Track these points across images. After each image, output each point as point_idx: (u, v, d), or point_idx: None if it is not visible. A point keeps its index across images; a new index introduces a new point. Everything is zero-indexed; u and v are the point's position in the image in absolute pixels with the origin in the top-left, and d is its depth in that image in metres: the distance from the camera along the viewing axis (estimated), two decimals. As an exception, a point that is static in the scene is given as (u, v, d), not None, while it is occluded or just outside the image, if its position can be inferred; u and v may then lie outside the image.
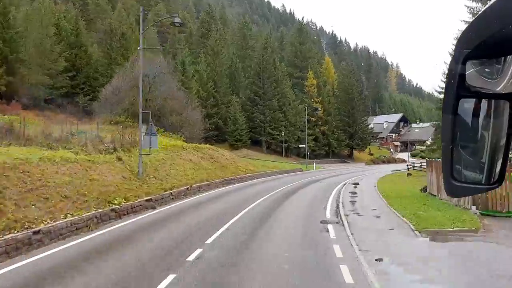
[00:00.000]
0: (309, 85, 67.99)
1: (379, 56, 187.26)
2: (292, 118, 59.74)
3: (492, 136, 0.90)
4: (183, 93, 38.68)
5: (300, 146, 56.07)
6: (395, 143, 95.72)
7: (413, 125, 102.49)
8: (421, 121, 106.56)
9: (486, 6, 0.73)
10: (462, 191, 0.97)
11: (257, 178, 30.62)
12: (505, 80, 0.82)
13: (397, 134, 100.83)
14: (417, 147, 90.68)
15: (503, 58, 0.81)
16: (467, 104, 0.87)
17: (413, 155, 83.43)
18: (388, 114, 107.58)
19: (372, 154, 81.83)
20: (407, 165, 45.69)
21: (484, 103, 0.88)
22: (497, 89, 0.83)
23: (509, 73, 0.81)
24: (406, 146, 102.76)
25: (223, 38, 73.63)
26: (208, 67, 58.16)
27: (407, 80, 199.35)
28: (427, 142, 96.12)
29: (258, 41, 78.35)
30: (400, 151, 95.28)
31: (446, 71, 0.95)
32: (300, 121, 59.33)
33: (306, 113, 56.43)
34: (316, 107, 64.76)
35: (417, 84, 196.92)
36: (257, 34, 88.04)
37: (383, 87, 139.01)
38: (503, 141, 0.89)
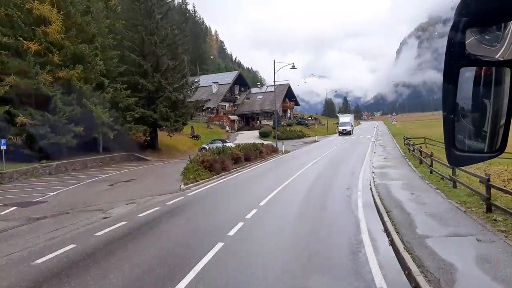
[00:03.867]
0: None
1: (197, 16, 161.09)
2: None
3: (494, 104, 0.89)
4: None
5: None
6: (231, 116, 64.35)
7: (254, 90, 73.50)
8: (262, 84, 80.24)
9: None
10: (465, 160, 0.97)
11: None
12: (505, 47, 0.81)
13: (232, 104, 69.63)
14: (263, 122, 61.97)
15: (503, 24, 0.80)
16: (467, 73, 0.86)
17: (262, 135, 52.89)
18: (217, 73, 74.97)
19: (196, 137, 46.87)
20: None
21: (484, 71, 0.88)
22: (498, 56, 0.82)
23: (509, 39, 0.81)
24: (246, 121, 73.49)
25: None
26: None
27: (228, 51, 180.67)
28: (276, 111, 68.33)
29: None
30: (238, 129, 64.90)
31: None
32: None
33: None
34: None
35: (236, 58, 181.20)
36: None
37: (205, 50, 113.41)
38: (504, 108, 0.87)
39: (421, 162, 17.78)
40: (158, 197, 13.26)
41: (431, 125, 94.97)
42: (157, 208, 11.18)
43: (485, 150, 0.94)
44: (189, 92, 38.10)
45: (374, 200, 10.85)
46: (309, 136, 57.95)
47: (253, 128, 62.76)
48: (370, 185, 13.28)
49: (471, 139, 0.95)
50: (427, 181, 13.17)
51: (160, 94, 34.17)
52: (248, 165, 22.22)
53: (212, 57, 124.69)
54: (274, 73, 32.90)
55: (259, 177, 18.09)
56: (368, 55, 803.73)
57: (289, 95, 72.92)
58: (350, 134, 56.44)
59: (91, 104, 27.92)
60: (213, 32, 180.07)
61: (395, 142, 36.46)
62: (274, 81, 33.74)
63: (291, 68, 32.64)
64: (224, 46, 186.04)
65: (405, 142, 29.19)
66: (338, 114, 64.60)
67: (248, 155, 23.14)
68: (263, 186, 15.03)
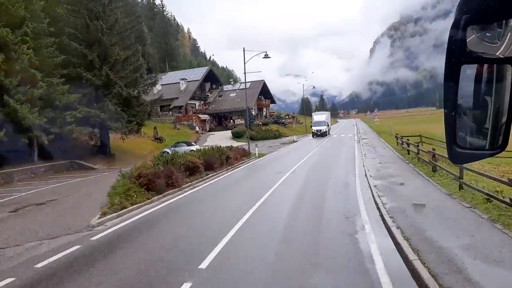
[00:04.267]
0: None
1: (167, 11, 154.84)
2: None
3: (495, 101, 0.89)
4: None
5: None
6: (202, 116, 58.96)
7: (227, 87, 68.38)
8: (236, 81, 74.93)
9: None
10: (466, 158, 0.99)
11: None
12: (506, 44, 0.81)
13: (203, 102, 64.26)
14: (238, 121, 57.01)
15: (504, 21, 0.81)
16: (468, 70, 0.86)
17: (236, 135, 47.92)
18: (185, 69, 69.43)
19: (159, 139, 41.40)
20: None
21: (486, 68, 0.88)
22: (499, 53, 0.83)
23: (510, 36, 0.81)
24: (219, 120, 68.23)
25: None
26: None
27: (202, 50, 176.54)
28: (251, 112, 63.70)
29: None
30: (210, 130, 59.59)
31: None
32: None
33: None
34: None
35: (211, 57, 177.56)
36: None
37: (176, 47, 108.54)
38: (506, 105, 0.87)
39: (435, 170, 13.40)
40: (45, 243, 8.10)
41: (408, 122, 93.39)
42: (8, 281, 6.03)
43: (487, 147, 0.93)
44: (145, 87, 32.65)
45: (402, 253, 6.12)
46: (286, 136, 53.47)
47: (226, 128, 57.70)
48: (381, 214, 8.61)
49: (473, 136, 0.95)
50: (467, 205, 8.62)
51: (110, 90, 28.58)
52: (209, 176, 17.24)
53: (183, 54, 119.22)
54: (244, 64, 28.06)
55: (217, 197, 13.11)
56: (343, 54, 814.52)
57: (265, 92, 68.33)
58: (326, 135, 47.38)
59: (14, 102, 22.21)
60: (185, 30, 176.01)
61: (383, 141, 32.36)
62: (245, 73, 28.91)
63: (264, 57, 27.89)
64: (197, 44, 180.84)
65: (399, 141, 25.02)
66: (313, 113, 58.53)
67: (211, 163, 18.18)
68: (218, 217, 10.08)
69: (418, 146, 17.54)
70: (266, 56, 27.82)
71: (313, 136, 47.51)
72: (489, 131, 0.92)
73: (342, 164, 19.86)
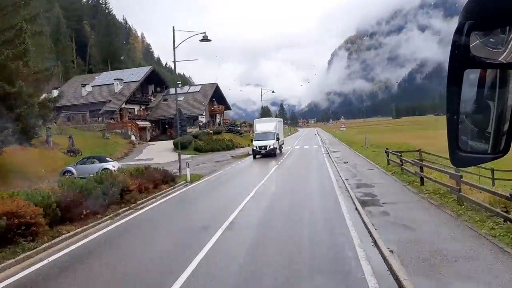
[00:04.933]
0: None
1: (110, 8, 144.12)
2: None
3: (498, 106, 0.90)
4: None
5: None
6: (141, 123, 49.29)
7: (173, 90, 59.26)
8: (186, 82, 65.29)
9: None
10: (468, 161, 0.98)
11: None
12: (510, 49, 0.82)
13: (144, 107, 54.61)
14: (190, 129, 47.87)
15: (508, 27, 0.81)
16: (472, 75, 0.88)
17: (179, 146, 38.75)
18: (124, 69, 59.52)
19: (74, 152, 31.67)
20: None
21: (489, 73, 0.89)
22: (502, 59, 0.84)
23: None
24: (163, 128, 58.65)
25: None
26: None
27: (156, 54, 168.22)
28: (200, 119, 55.09)
29: None
30: (152, 139, 50.04)
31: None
32: None
33: None
34: None
35: (167, 64, 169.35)
36: None
37: (119, 48, 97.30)
38: (509, 110, 0.89)
39: (507, 220, 5.98)
40: None
41: (372, 131, 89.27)
42: None
43: (489, 151, 0.94)
44: (38, 84, 23.03)
45: None
46: (241, 147, 45.45)
47: (170, 137, 48.57)
48: None
49: (475, 140, 0.96)
50: None
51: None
52: (71, 235, 8.56)
53: (133, 58, 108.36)
54: (174, 48, 19.63)
55: None
56: (302, 65, 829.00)
57: (218, 97, 60.03)
58: (274, 155, 29.43)
59: None
60: (139, 34, 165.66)
61: (361, 155, 25.00)
62: (174, 61, 20.43)
63: (201, 40, 19.69)
64: (151, 49, 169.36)
65: (392, 159, 17.68)
66: (255, 120, 39.42)
67: (78, 207, 9.53)
68: None
69: (460, 175, 9.53)
70: (205, 39, 19.62)
71: (254, 157, 29.78)
72: (491, 135, 0.92)
73: (318, 200, 11.92)
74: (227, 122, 59.20)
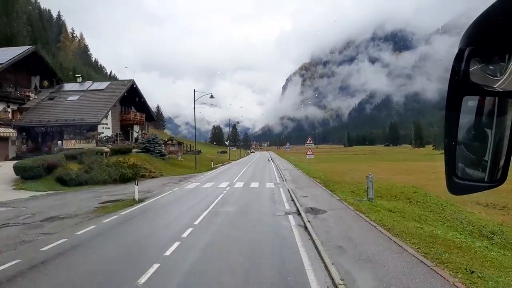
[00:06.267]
0: None
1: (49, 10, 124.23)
2: None
3: (496, 134, 0.89)
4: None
5: None
6: (3, 130, 30.32)
7: (71, 87, 40.80)
8: (89, 78, 47.41)
9: (490, 4, 0.74)
10: (465, 189, 0.95)
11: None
12: (509, 78, 0.82)
13: (16, 107, 35.61)
14: (75, 143, 29.20)
15: (507, 55, 0.81)
16: (470, 102, 0.86)
17: (25, 174, 20.78)
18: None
19: None
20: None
21: (487, 101, 0.88)
22: (501, 87, 0.83)
23: None
24: (35, 141, 39.07)
25: None
26: None
27: (94, 57, 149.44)
28: (100, 131, 37.17)
29: None
30: (17, 156, 31.14)
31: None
32: None
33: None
34: None
35: (112, 72, 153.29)
36: None
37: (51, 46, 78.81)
38: (506, 139, 0.88)
39: None
40: None
41: (331, 159, 77.22)
42: None
43: (486, 180, 0.92)
44: None
45: None
46: (152, 177, 28.44)
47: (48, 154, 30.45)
48: None
49: (472, 167, 0.93)
50: None
51: None
52: None
53: (61, 55, 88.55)
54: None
55: None
56: (257, 89, 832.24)
57: (137, 102, 42.64)
58: None
59: None
60: (77, 34, 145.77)
61: (397, 243, 9.24)
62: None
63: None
64: (89, 51, 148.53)
65: None
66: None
67: None
68: None
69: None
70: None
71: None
72: (488, 163, 0.91)
73: None
74: (144, 137, 41.65)
